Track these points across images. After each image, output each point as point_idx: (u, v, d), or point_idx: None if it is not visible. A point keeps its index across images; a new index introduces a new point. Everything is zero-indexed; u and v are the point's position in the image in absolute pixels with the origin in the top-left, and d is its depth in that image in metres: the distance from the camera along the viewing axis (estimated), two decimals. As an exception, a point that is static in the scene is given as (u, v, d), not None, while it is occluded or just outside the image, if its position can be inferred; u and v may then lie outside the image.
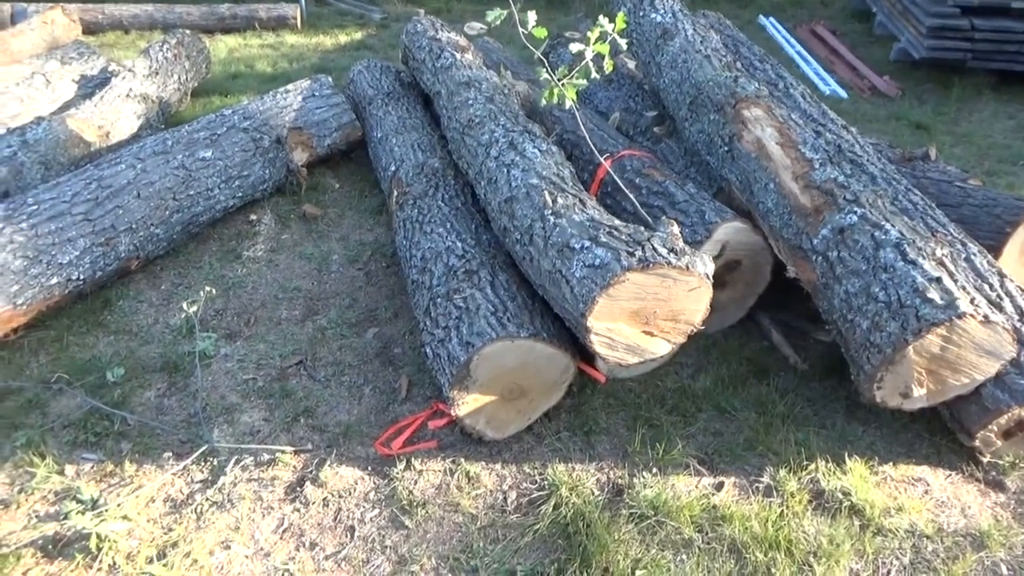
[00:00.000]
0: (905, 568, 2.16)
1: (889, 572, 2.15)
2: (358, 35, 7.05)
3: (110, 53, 5.97)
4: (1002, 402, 2.32)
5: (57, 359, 2.88)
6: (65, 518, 2.23)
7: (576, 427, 2.62)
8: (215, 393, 2.76)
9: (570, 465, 2.48)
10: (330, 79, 4.40)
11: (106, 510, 2.24)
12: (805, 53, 6.61)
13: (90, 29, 6.57)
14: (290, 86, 4.26)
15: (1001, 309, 2.43)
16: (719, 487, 2.42)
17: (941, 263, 2.36)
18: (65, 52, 5.02)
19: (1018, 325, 2.41)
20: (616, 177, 2.97)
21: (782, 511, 2.31)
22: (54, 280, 2.98)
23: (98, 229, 3.14)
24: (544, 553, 2.19)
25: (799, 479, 2.42)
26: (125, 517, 2.25)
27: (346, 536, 2.25)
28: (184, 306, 2.68)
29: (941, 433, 2.58)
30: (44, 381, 2.76)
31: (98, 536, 2.15)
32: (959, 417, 2.46)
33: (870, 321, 2.30)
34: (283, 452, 2.49)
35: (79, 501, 2.27)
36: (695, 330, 2.38)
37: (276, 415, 2.67)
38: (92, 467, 2.45)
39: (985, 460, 2.47)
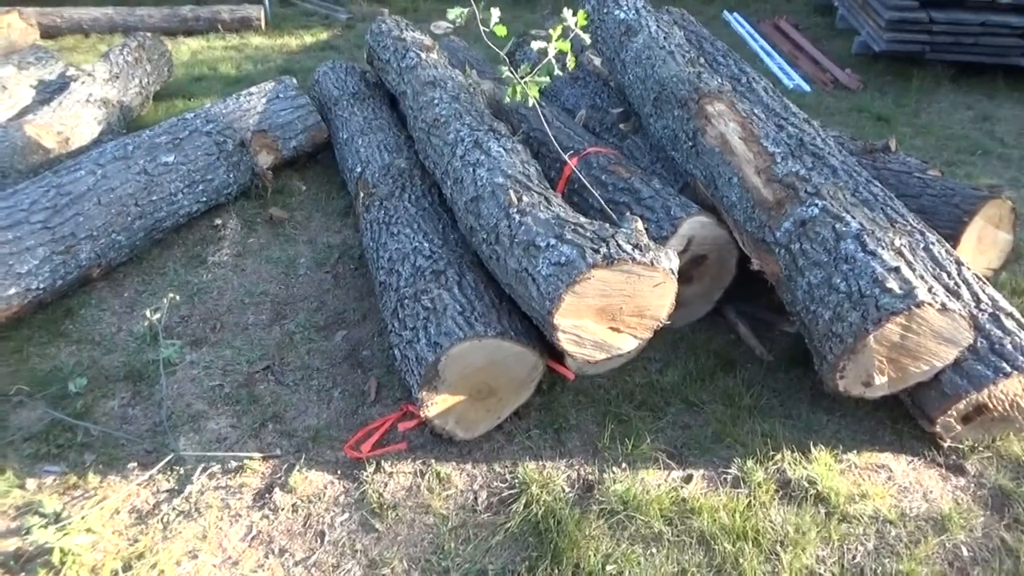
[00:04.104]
0: (869, 553, 2.20)
1: (854, 558, 2.18)
2: (323, 36, 6.99)
3: (69, 57, 5.85)
4: (961, 388, 2.37)
5: (17, 371, 2.82)
6: (27, 533, 2.18)
7: (546, 425, 2.62)
8: (181, 401, 2.72)
9: (540, 463, 2.48)
10: (295, 80, 4.36)
11: (69, 523, 2.20)
12: (769, 48, 6.68)
13: (48, 33, 6.43)
14: (254, 88, 4.21)
15: (958, 297, 2.48)
16: (688, 480, 2.44)
17: (900, 253, 2.40)
18: (22, 57, 4.93)
19: (975, 312, 2.46)
20: (581, 175, 2.98)
21: (750, 502, 2.33)
22: (12, 290, 2.92)
23: (58, 237, 3.08)
24: (515, 551, 2.20)
25: (766, 469, 2.45)
26: (89, 530, 2.21)
27: (316, 541, 2.24)
28: (148, 313, 2.63)
29: (903, 420, 2.63)
30: (3, 393, 2.70)
31: (61, 550, 2.11)
32: (920, 404, 2.50)
33: (832, 312, 2.34)
34: (251, 459, 2.47)
35: (41, 515, 2.23)
36: (661, 325, 2.40)
37: (244, 421, 2.64)
38: (54, 480, 2.40)
39: (945, 445, 2.52)
